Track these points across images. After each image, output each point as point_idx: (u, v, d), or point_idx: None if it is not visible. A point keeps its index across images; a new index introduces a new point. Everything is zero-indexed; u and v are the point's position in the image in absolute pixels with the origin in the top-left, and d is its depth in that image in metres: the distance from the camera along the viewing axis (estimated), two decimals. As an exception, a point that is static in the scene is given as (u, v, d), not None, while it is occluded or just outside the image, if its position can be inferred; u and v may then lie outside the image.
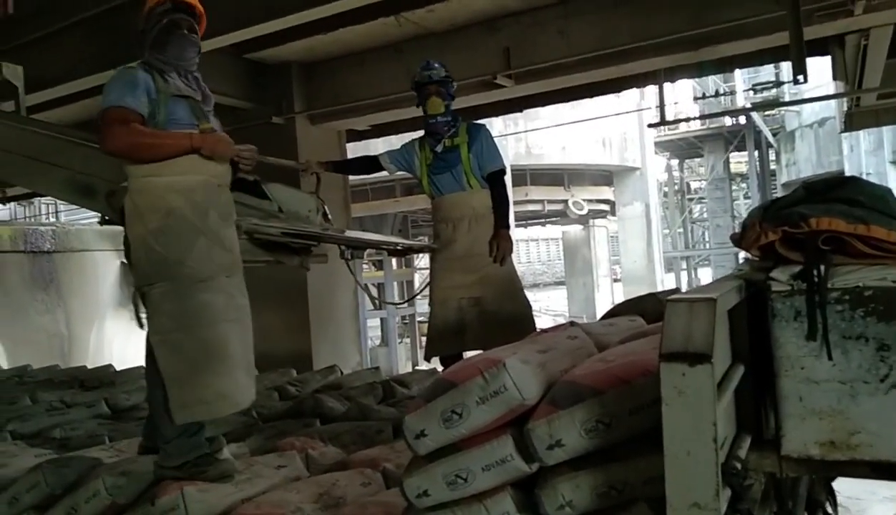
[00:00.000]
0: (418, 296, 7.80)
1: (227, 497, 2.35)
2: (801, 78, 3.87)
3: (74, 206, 10.04)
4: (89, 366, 6.45)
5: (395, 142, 4.68)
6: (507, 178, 3.91)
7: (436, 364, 4.07)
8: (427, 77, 3.76)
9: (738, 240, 1.88)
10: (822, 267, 1.58)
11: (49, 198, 12.94)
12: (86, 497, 2.48)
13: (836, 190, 1.72)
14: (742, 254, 2.02)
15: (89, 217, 13.46)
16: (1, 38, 5.02)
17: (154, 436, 2.58)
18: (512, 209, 12.99)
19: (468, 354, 3.54)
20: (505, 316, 3.64)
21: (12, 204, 13.45)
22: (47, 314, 11.28)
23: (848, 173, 12.88)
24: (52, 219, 14.85)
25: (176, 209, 2.40)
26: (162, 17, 2.58)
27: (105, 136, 2.43)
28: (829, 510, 2.20)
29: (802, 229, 1.62)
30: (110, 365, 5.92)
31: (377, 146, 6.08)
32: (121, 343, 11.66)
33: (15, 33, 5.07)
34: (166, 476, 2.45)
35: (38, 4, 5.46)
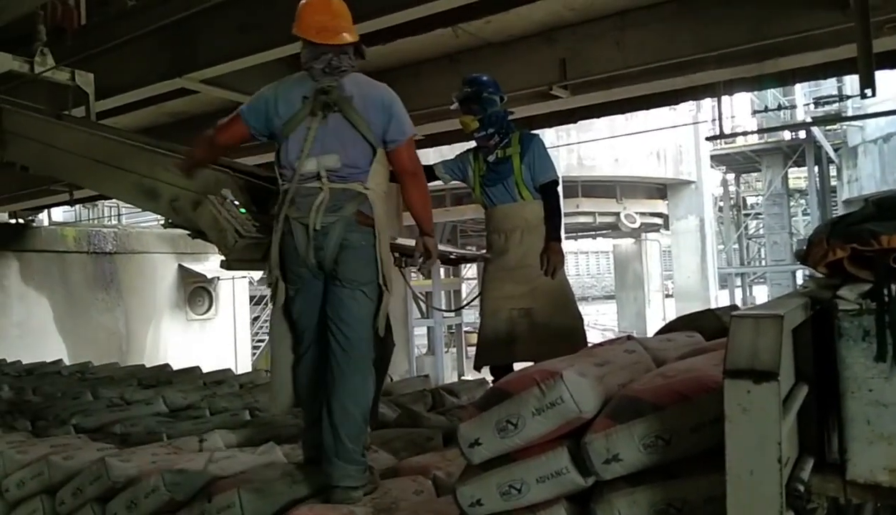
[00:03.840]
0: (467, 307, 7.81)
1: (281, 497, 2.39)
2: (868, 92, 3.75)
3: (136, 209, 10.39)
4: (146, 365, 6.65)
5: (447, 152, 4.71)
6: (559, 190, 3.89)
7: (484, 374, 4.06)
8: (463, 98, 3.77)
9: (804, 257, 1.84)
10: (894, 287, 1.54)
11: (112, 200, 13.41)
12: (145, 491, 2.55)
13: (909, 206, 1.67)
14: (803, 272, 1.97)
15: (149, 219, 13.92)
16: (73, 48, 5.23)
17: (319, 447, 2.49)
18: (563, 221, 12.98)
19: (518, 366, 3.53)
20: (555, 329, 3.61)
21: (78, 206, 13.96)
22: (107, 313, 11.68)
23: (914, 191, 12.41)
24: (115, 222, 15.36)
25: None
26: None
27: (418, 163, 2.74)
28: (895, 540, 2.12)
29: (873, 247, 1.58)
30: (167, 365, 6.10)
31: (429, 156, 6.12)
32: (175, 343, 12.00)
33: (86, 43, 5.29)
34: (354, 499, 2.39)
35: (107, 14, 5.69)
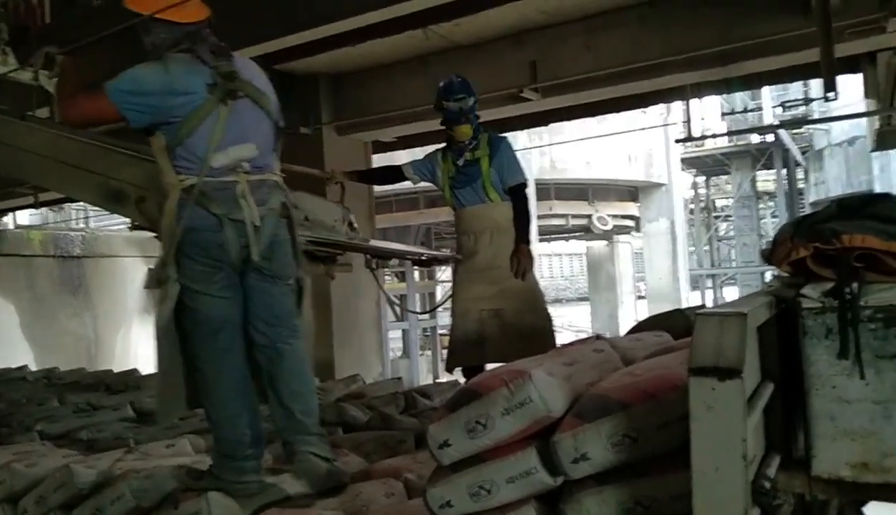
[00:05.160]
0: (440, 309, 7.82)
1: (251, 502, 2.36)
2: (831, 95, 3.83)
3: (104, 212, 10.23)
4: (115, 370, 6.54)
5: (420, 153, 4.71)
6: (531, 192, 3.93)
7: (458, 375, 4.06)
8: (458, 110, 3.74)
9: (769, 256, 1.86)
10: (855, 285, 1.56)
11: (80, 203, 13.18)
12: (111, 498, 2.50)
13: (870, 206, 1.70)
14: (772, 273, 2.00)
15: (118, 223, 13.70)
16: (37, 47, 5.13)
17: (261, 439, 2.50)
18: (535, 223, 13.03)
19: (489, 366, 3.53)
20: (525, 329, 3.63)
21: (44, 209, 13.70)
22: (75, 318, 11.47)
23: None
24: (82, 225, 15.09)
25: None
26: None
27: None
28: (860, 534, 2.16)
29: (835, 246, 1.60)
30: (135, 370, 6.00)
31: (402, 157, 6.11)
32: (145, 347, 11.80)
33: (50, 42, 5.18)
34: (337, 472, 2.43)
35: (72, 14, 5.60)
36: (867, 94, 5.44)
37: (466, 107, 3.73)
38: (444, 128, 3.87)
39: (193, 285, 2.36)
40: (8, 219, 12.30)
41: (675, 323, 2.67)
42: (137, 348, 11.75)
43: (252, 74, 2.49)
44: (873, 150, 10.38)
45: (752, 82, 5.85)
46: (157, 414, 3.04)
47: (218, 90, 2.33)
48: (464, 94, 3.74)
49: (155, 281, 2.40)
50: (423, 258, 4.77)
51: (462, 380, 3.81)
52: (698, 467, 1.34)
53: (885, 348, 1.52)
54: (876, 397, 1.51)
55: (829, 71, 3.84)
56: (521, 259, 3.68)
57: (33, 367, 7.50)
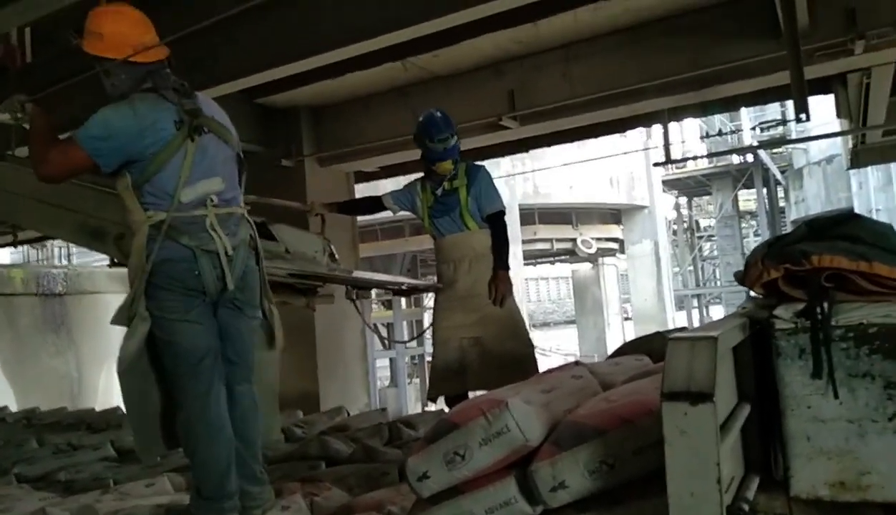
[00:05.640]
0: (426, 336, 7.81)
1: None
2: (802, 117, 3.89)
3: (86, 249, 10.15)
4: (97, 408, 6.45)
5: (403, 182, 4.74)
6: (515, 218, 3.97)
7: (442, 404, 4.04)
8: (442, 150, 3.76)
9: (742, 278, 1.88)
10: (826, 305, 1.58)
11: (62, 240, 13.09)
12: (88, 542, 2.46)
13: (839, 227, 1.72)
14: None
15: (100, 259, 13.59)
16: (18, 85, 5.13)
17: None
18: (520, 248, 13.08)
19: (472, 394, 3.52)
20: (506, 356, 3.63)
21: (25, 246, 13.59)
22: (58, 356, 11.31)
23: (857, 210, 12.87)
24: (65, 262, 14.96)
25: None
26: None
27: None
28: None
29: (805, 266, 1.62)
30: (118, 408, 5.91)
31: (385, 186, 6.14)
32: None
33: (30, 80, 5.19)
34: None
35: (51, 52, 5.60)
36: (839, 114, 5.54)
37: (449, 147, 3.77)
38: (424, 160, 3.90)
39: (170, 315, 2.37)
40: (-12, 259, 12.19)
41: (655, 346, 2.68)
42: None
43: (213, 111, 2.54)
44: (849, 168, 10.55)
45: (729, 105, 5.94)
46: (139, 453, 3.00)
47: (184, 127, 2.37)
48: (446, 135, 3.76)
49: (125, 318, 2.40)
50: (404, 288, 4.77)
51: (446, 409, 3.79)
52: (674, 492, 1.34)
53: (858, 367, 1.54)
54: (850, 415, 1.52)
55: (800, 93, 3.90)
56: (499, 285, 3.69)
57: (14, 408, 7.39)
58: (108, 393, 11.22)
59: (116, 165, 2.38)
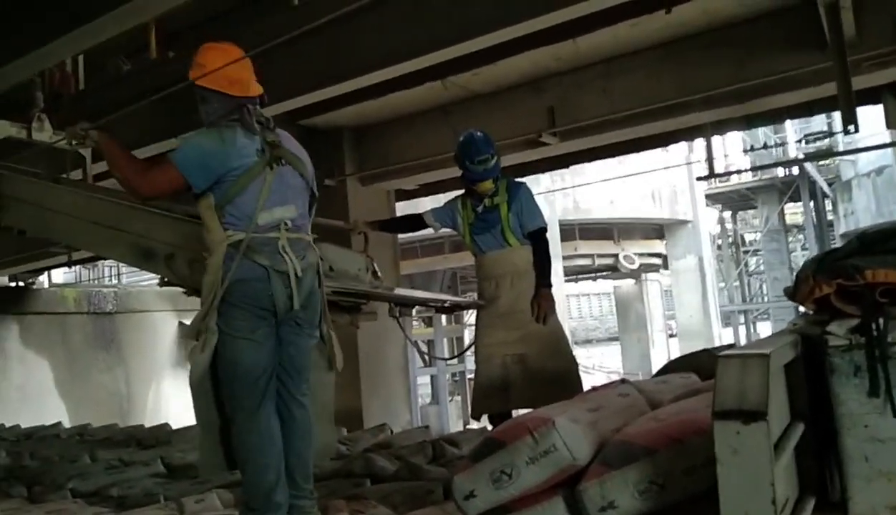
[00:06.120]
0: (467, 353, 7.78)
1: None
2: (851, 128, 3.80)
3: (135, 269, 10.42)
4: (146, 424, 6.58)
5: (444, 199, 4.77)
6: (555, 234, 3.95)
7: (486, 422, 4.02)
8: (481, 171, 3.77)
9: (793, 294, 1.84)
10: (881, 321, 1.54)
11: (112, 260, 13.46)
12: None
13: (892, 240, 1.68)
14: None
15: (149, 278, 13.93)
16: (72, 110, 5.32)
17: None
18: (561, 264, 12.99)
19: (516, 412, 3.50)
20: (550, 374, 3.60)
21: (77, 266, 14.00)
22: (108, 373, 11.61)
23: (910, 222, 12.45)
24: (115, 281, 15.37)
25: None
26: None
27: None
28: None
29: (858, 282, 1.59)
30: (166, 424, 6.04)
31: (426, 204, 6.19)
32: (177, 401, 11.89)
33: (83, 107, 5.38)
34: None
35: (104, 79, 5.81)
36: (889, 125, 5.39)
37: (489, 168, 3.77)
38: (464, 179, 3.92)
39: (237, 333, 2.49)
40: (43, 278, 12.58)
41: (703, 364, 2.64)
42: (168, 402, 11.84)
43: (291, 145, 2.74)
44: (901, 180, 10.23)
45: (774, 117, 5.84)
46: (200, 469, 3.12)
47: (265, 156, 2.57)
48: (486, 155, 3.77)
49: (194, 332, 2.52)
50: (446, 305, 4.77)
51: (489, 427, 3.77)
52: (727, 513, 1.31)
53: (916, 385, 1.49)
54: (910, 436, 1.48)
55: (847, 104, 3.82)
56: (542, 303, 3.67)
57: (67, 424, 7.59)
58: (156, 410, 11.47)
59: (207, 185, 2.55)
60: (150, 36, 5.32)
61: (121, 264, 13.69)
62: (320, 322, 2.68)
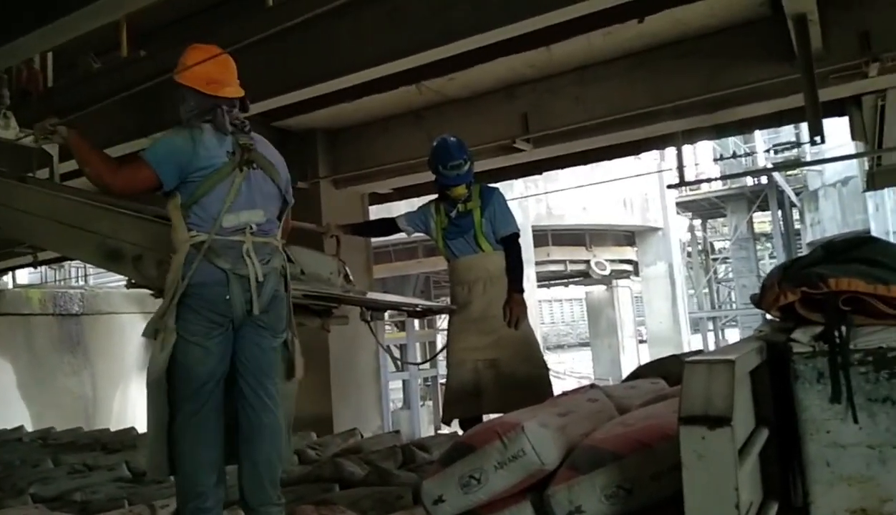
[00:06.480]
0: (439, 357, 7.77)
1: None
2: (817, 139, 3.88)
3: (103, 270, 10.25)
4: (112, 428, 6.47)
5: (417, 203, 4.76)
6: (528, 239, 3.96)
7: (456, 427, 4.02)
8: (455, 176, 3.78)
9: (759, 301, 1.87)
10: (844, 328, 1.57)
11: (79, 261, 13.22)
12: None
13: (856, 250, 1.71)
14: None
15: (116, 280, 13.70)
16: (40, 108, 5.22)
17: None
18: (533, 269, 13.04)
19: (487, 417, 3.50)
20: (521, 379, 3.62)
21: (43, 267, 13.73)
22: (73, 376, 11.38)
23: (874, 232, 12.75)
24: (82, 282, 15.10)
25: None
26: None
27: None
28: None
29: (822, 290, 1.62)
30: (132, 428, 5.94)
31: (400, 208, 6.18)
32: (143, 405, 11.67)
33: (51, 105, 5.28)
34: None
35: (73, 77, 5.71)
36: (854, 136, 5.51)
37: (462, 173, 3.79)
38: (437, 184, 3.92)
39: (190, 337, 2.45)
40: (7, 279, 12.30)
41: (671, 369, 2.67)
42: (135, 406, 11.63)
43: (267, 150, 2.72)
44: (865, 191, 10.46)
45: (743, 127, 5.93)
46: (147, 469, 3.05)
47: (236, 158, 2.55)
48: (460, 161, 3.78)
49: (152, 330, 2.49)
50: (419, 309, 4.77)
51: (460, 432, 3.77)
52: (692, 517, 1.33)
53: (877, 391, 1.52)
54: (870, 441, 1.51)
55: (814, 115, 3.90)
56: (514, 308, 3.68)
57: (30, 428, 7.42)
58: (122, 414, 11.26)
59: (175, 183, 2.53)
60: (122, 34, 5.24)
61: (87, 265, 13.45)
62: (285, 328, 2.65)
